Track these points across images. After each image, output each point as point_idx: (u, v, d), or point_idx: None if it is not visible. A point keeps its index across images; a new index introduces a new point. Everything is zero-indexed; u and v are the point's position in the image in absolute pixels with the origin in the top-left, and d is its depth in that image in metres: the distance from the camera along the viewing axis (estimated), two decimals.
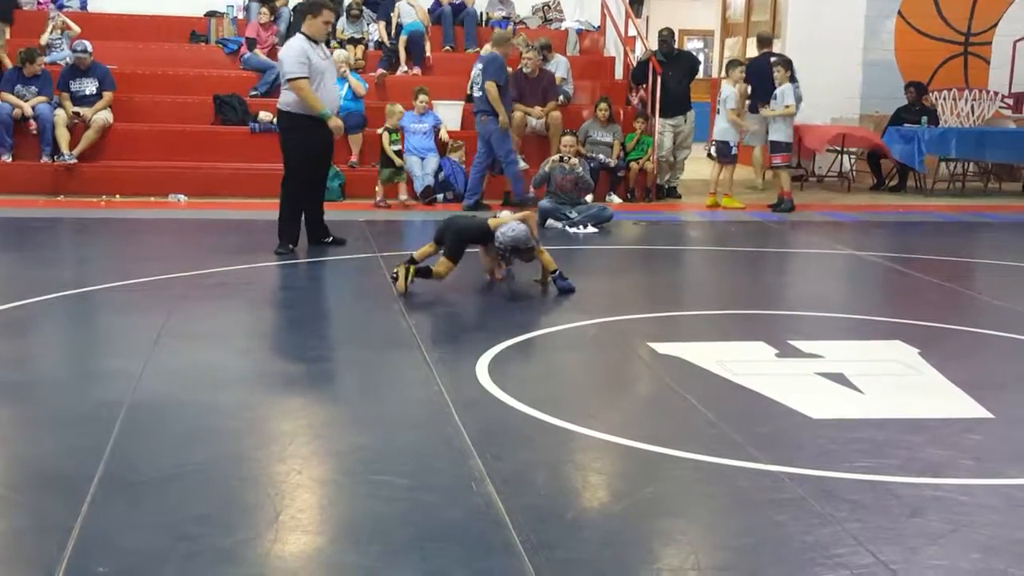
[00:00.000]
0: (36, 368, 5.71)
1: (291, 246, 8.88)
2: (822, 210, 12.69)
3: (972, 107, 14.62)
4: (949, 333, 6.77)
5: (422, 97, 12.51)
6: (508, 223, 7.43)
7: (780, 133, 12.32)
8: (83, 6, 14.72)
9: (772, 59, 12.79)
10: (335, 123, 8.87)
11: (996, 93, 15.05)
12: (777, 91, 12.27)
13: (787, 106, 12.13)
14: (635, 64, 14.15)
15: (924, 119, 14.11)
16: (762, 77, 12.67)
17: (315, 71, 8.68)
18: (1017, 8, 15.59)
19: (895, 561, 3.45)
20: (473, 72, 12.16)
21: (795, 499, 3.95)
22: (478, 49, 14.34)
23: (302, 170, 8.90)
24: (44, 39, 13.06)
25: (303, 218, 9.07)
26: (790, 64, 12.56)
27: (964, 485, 4.15)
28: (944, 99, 14.64)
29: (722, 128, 12.64)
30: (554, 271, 7.48)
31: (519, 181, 11.88)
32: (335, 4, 8.81)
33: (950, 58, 15.73)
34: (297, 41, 8.81)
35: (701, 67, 18.07)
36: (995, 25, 15.69)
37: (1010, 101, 15.54)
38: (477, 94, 11.84)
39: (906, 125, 14.12)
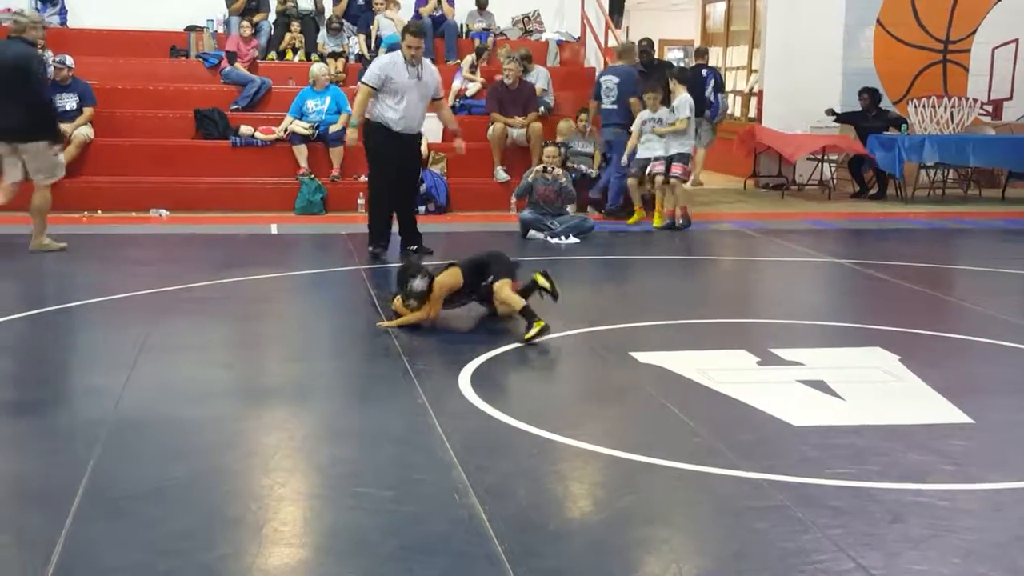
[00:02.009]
0: (18, 384, 5.69)
1: (380, 246, 9.46)
2: (803, 218, 12.73)
3: (951, 114, 14.70)
4: (929, 339, 6.81)
5: None
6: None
7: (684, 146, 11.66)
8: (63, 22, 14.68)
9: (703, 70, 12.70)
10: (350, 135, 9.73)
11: (975, 100, 15.14)
12: (674, 103, 11.67)
13: (681, 120, 11.48)
14: None
15: (904, 126, 14.21)
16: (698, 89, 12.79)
17: (396, 87, 9.15)
18: (995, 15, 15.70)
19: (876, 567, 3.47)
20: (605, 84, 12.32)
21: (776, 506, 3.98)
22: (459, 61, 14.37)
23: (379, 174, 9.53)
24: None
25: (395, 223, 9.65)
26: (684, 74, 12.33)
27: (945, 490, 4.18)
28: (923, 107, 14.72)
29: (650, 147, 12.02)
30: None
31: (618, 195, 12.17)
32: (416, 32, 9.27)
33: (929, 66, 15.81)
34: (389, 56, 9.52)
35: None
36: (974, 32, 15.79)
37: (989, 108, 15.65)
38: (612, 106, 12.19)
39: (885, 133, 14.20)
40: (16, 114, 9.12)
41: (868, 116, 14.61)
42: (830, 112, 14.83)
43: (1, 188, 9.47)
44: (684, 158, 11.64)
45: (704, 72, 14.31)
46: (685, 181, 11.76)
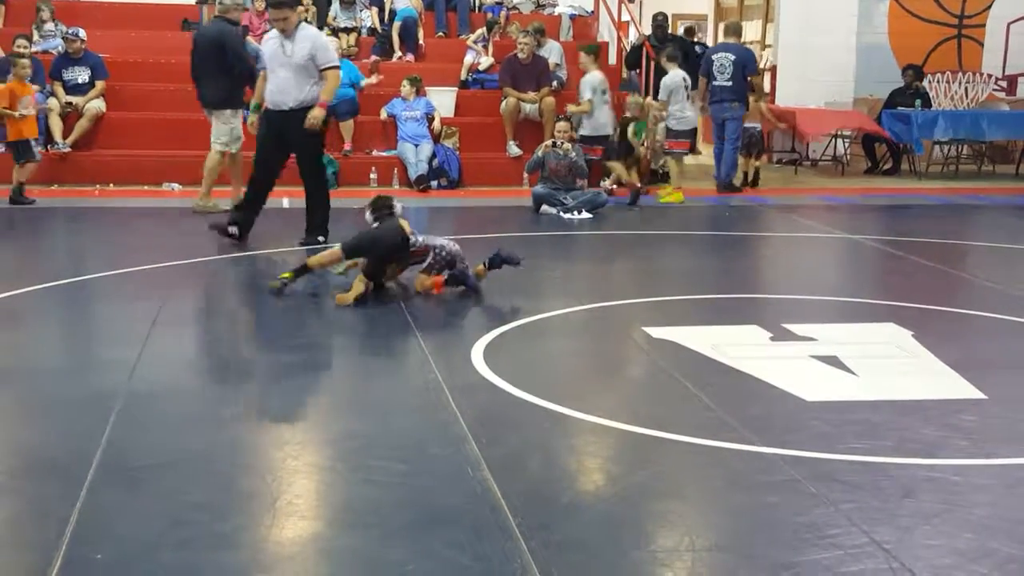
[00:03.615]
0: (33, 356, 5.71)
1: (229, 224, 8.71)
2: (816, 194, 12.69)
3: (966, 90, 14.62)
4: (942, 315, 6.79)
5: (406, 84, 12.54)
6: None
7: (586, 128, 11.65)
8: None
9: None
10: (248, 119, 9.01)
11: (990, 76, 15.04)
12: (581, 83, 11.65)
13: (587, 100, 11.47)
14: (629, 49, 14.15)
15: (918, 102, 14.13)
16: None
17: (267, 62, 8.59)
18: None
19: (888, 541, 3.47)
20: (719, 61, 12.39)
21: (789, 481, 3.97)
22: (470, 35, 14.31)
23: (256, 150, 8.88)
24: (36, 36, 13.03)
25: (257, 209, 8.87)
26: (594, 52, 12.22)
27: (957, 465, 4.18)
28: (938, 82, 14.63)
29: (694, 116, 12.33)
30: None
31: (733, 167, 12.43)
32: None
33: (944, 41, 15.72)
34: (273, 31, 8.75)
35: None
36: (989, 7, 15.69)
37: (1004, 83, 15.54)
38: (726, 83, 12.30)
39: (900, 108, 14.13)
40: (213, 85, 10.22)
41: (907, 93, 14.49)
42: (878, 116, 14.62)
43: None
44: (591, 141, 11.46)
45: (697, 49, 14.32)
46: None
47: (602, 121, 11.65)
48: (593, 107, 11.66)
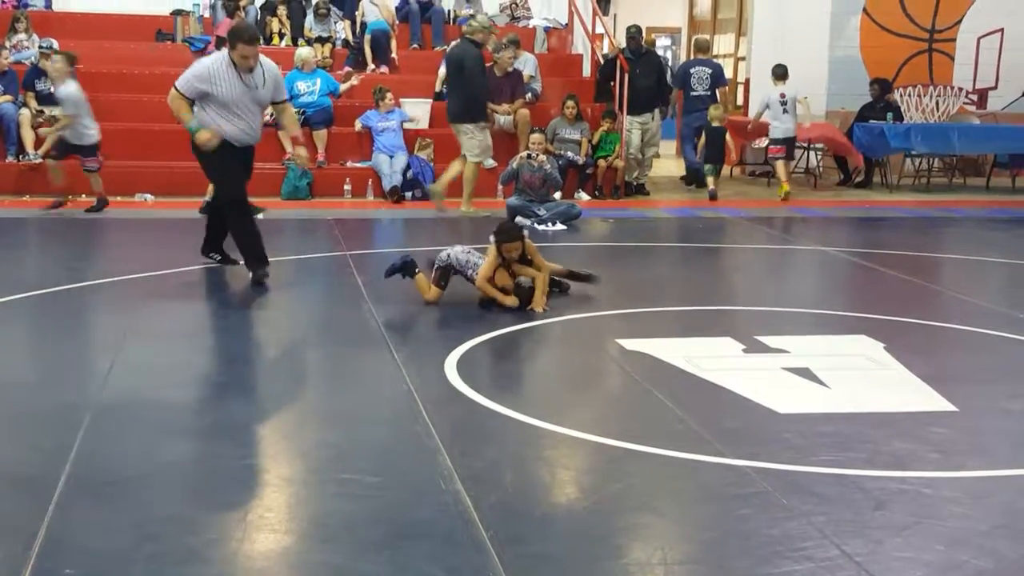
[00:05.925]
0: (2, 368, 5.67)
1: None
2: (789, 206, 12.74)
3: (937, 103, 14.72)
4: (914, 327, 6.83)
5: (389, 96, 12.56)
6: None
7: (71, 137, 10.93)
8: (48, 5, 14.62)
9: None
10: (204, 137, 7.64)
11: (960, 89, 15.16)
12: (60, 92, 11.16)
13: (70, 116, 10.90)
14: (602, 61, 14.19)
15: (890, 115, 14.22)
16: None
17: (224, 100, 7.57)
18: (981, 4, 15.70)
19: (860, 553, 3.48)
20: (697, 74, 14.00)
21: (761, 493, 3.99)
22: (445, 47, 14.33)
23: (235, 186, 7.97)
24: (8, 44, 12.96)
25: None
26: (72, 59, 11.44)
27: (928, 478, 4.20)
28: (909, 95, 14.74)
29: (788, 127, 13.34)
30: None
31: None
32: (251, 38, 7.59)
33: (915, 55, 15.83)
34: (212, 60, 7.78)
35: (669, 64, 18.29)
36: (959, 21, 15.81)
37: (974, 97, 15.67)
38: (706, 93, 13.90)
39: (871, 121, 14.23)
40: (453, 101, 11.16)
41: (875, 107, 14.59)
42: (849, 129, 14.72)
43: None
44: (83, 151, 11.08)
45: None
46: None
47: (90, 131, 11.25)
48: (80, 117, 10.99)
